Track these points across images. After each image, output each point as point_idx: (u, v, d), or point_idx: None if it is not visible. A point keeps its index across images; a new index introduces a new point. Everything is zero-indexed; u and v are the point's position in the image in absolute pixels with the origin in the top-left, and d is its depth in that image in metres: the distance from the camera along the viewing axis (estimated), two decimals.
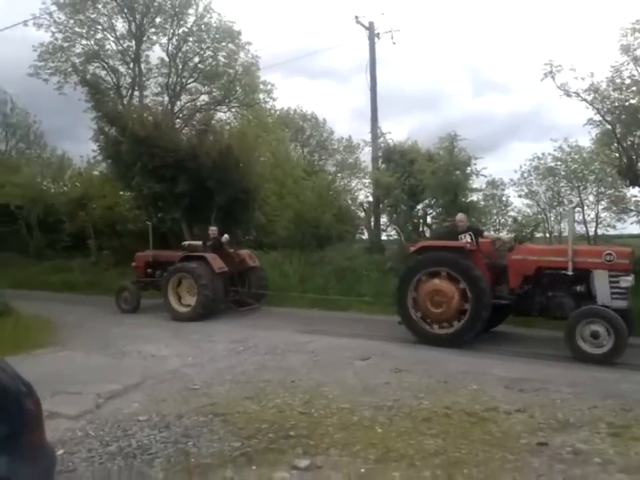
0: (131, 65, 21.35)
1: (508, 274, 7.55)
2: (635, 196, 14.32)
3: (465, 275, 7.26)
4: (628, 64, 10.59)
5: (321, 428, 4.17)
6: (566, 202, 17.01)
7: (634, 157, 11.02)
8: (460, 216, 8.59)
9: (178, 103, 22.21)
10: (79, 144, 41.19)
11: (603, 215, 16.68)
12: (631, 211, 15.33)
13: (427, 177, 12.01)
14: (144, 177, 13.71)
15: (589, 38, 47.81)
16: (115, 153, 14.38)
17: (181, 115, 21.78)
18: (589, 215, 16.87)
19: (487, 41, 55.66)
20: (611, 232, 16.46)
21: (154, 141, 13.32)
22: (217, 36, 20.91)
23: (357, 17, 15.41)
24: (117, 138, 14.21)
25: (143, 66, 21.44)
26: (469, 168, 12.35)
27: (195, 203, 14.05)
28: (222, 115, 22.26)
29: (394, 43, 15.95)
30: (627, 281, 6.71)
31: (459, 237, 8.23)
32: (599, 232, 16.42)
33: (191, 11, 20.62)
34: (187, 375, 5.80)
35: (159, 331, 8.67)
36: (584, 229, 16.25)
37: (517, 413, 4.48)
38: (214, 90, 22.52)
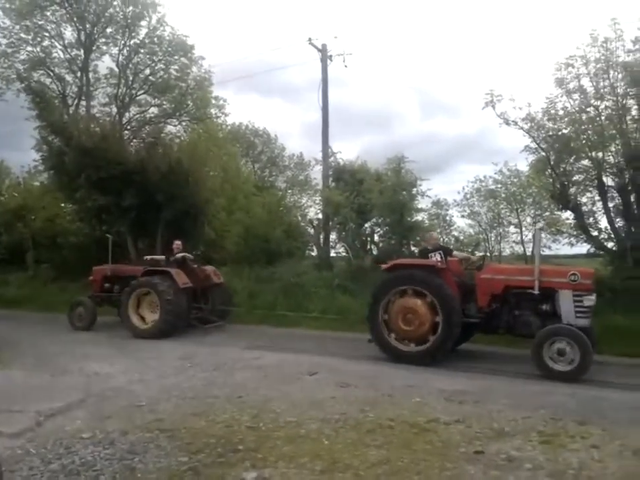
0: (78, 74, 20.86)
1: (476, 292, 7.64)
2: (568, 219, 15.22)
3: (436, 292, 7.33)
4: (562, 96, 11.38)
5: (269, 441, 4.23)
6: (505, 223, 17.82)
7: (566, 183, 11.78)
8: (430, 235, 8.79)
9: (126, 114, 21.84)
10: (20, 153, 39.59)
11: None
12: (564, 232, 16.26)
13: (375, 197, 12.38)
14: (89, 189, 13.41)
15: (527, 69, 50.70)
16: (58, 163, 13.99)
17: (129, 127, 21.41)
18: (526, 236, 17.77)
19: (437, 65, 57.90)
20: (547, 252, 17.38)
21: (100, 152, 13.07)
22: (170, 49, 20.82)
23: (310, 39, 15.79)
24: (61, 148, 13.85)
25: (90, 75, 21.03)
26: (414, 189, 12.83)
27: (142, 217, 13.83)
28: (172, 128, 22.09)
29: (345, 66, 16.36)
30: (590, 300, 6.91)
31: (429, 255, 8.37)
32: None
33: (143, 23, 20.47)
34: (132, 391, 5.71)
35: (102, 349, 8.44)
36: (522, 248, 17.08)
37: (456, 423, 4.70)
38: (164, 103, 22.31)
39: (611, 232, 11.53)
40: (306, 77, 56.69)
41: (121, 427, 4.50)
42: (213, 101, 23.28)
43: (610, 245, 11.54)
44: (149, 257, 10.96)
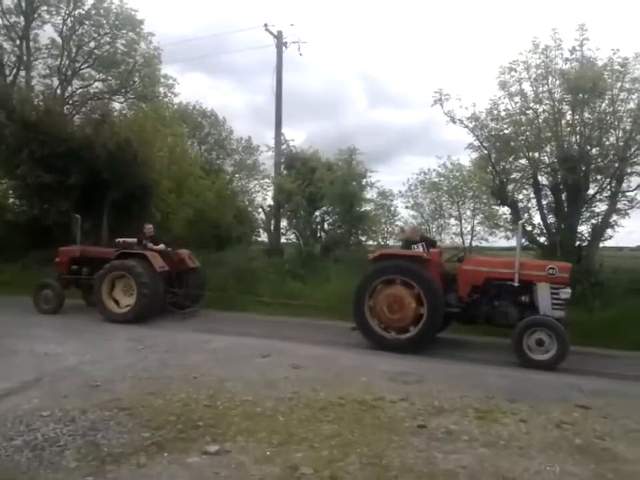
0: (18, 42, 19.74)
1: (457, 283, 7.82)
2: (505, 214, 16.16)
3: (422, 282, 7.48)
4: (504, 98, 12.11)
5: (227, 418, 4.44)
6: (446, 215, 18.68)
7: (505, 180, 12.56)
8: (411, 226, 8.92)
9: (69, 88, 20.91)
10: None
11: (477, 228, 18.59)
12: (501, 226, 17.25)
13: (326, 186, 12.68)
14: (31, 166, 12.90)
15: (475, 71, 52.44)
16: None
17: (71, 102, 20.53)
18: (465, 228, 18.70)
19: (387, 59, 58.76)
20: (484, 244, 18.39)
21: (45, 127, 12.61)
22: (117, 22, 20.04)
23: (266, 25, 15.79)
24: (1, 121, 13.19)
25: (31, 44, 19.94)
26: (364, 180, 13.23)
27: (87, 196, 13.47)
28: (117, 104, 21.35)
29: (300, 54, 16.47)
30: (566, 293, 7.19)
31: (412, 247, 8.55)
32: (474, 243, 18.26)
33: None
34: (86, 372, 5.74)
35: (49, 331, 8.25)
36: (460, 240, 17.99)
37: (401, 401, 5.08)
38: (109, 78, 21.51)
39: (543, 227, 12.41)
40: (255, 60, 56.01)
41: (79, 406, 4.56)
42: (162, 80, 22.67)
43: (542, 239, 12.43)
44: (121, 240, 10.58)
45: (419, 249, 8.50)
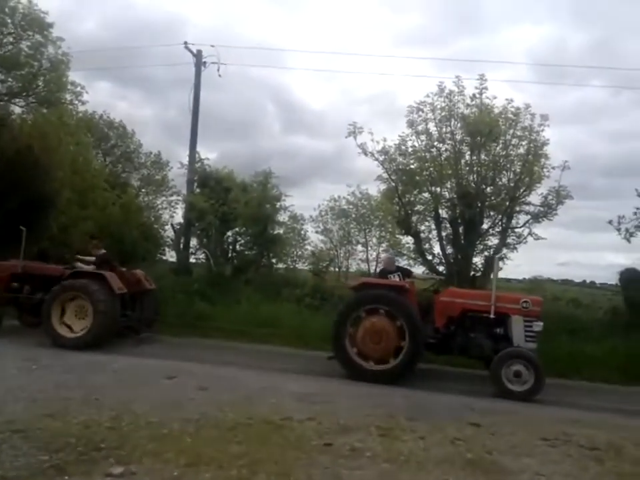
0: None
1: (432, 314, 7.86)
2: (408, 243, 17.07)
3: (404, 313, 7.46)
4: (412, 135, 12.96)
5: (132, 440, 4.29)
6: (354, 241, 19.30)
7: (410, 212, 13.37)
8: (387, 256, 8.92)
9: None
10: None
11: (382, 255, 19.37)
12: (404, 254, 18.15)
13: (241, 207, 12.71)
14: None
15: (388, 105, 55.25)
16: None
17: None
18: (371, 255, 19.45)
19: (302, 86, 60.16)
20: None
21: None
22: (23, 23, 18.85)
23: (186, 43, 15.71)
24: None
25: None
26: (278, 203, 13.44)
27: None
28: (18, 108, 19.92)
29: (220, 76, 16.42)
30: (538, 325, 7.43)
31: (388, 276, 8.58)
32: (378, 269, 18.98)
33: None
34: None
35: None
36: (367, 266, 18.67)
37: (308, 420, 5.21)
38: (10, 80, 20.07)
39: (442, 257, 13.30)
40: (169, 75, 54.94)
41: None
42: (70, 86, 21.52)
43: (441, 268, 13.29)
44: (78, 257, 9.67)
45: (395, 278, 8.59)
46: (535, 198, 12.79)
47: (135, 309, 9.75)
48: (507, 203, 12.62)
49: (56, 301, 8.71)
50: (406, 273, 9.05)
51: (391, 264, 9.22)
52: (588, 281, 23.39)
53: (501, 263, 13.23)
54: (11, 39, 18.82)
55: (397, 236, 18.12)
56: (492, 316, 7.55)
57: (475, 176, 12.66)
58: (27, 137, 13.07)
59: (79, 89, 21.85)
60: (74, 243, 15.31)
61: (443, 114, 12.71)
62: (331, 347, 7.96)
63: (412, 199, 13.51)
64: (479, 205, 12.54)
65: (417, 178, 12.98)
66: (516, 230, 13.18)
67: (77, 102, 22.19)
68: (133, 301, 9.72)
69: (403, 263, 17.99)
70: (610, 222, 12.27)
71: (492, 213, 13.06)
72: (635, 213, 12.03)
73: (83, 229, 15.32)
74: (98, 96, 44.07)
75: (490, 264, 12.82)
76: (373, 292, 7.80)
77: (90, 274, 8.97)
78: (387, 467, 4.17)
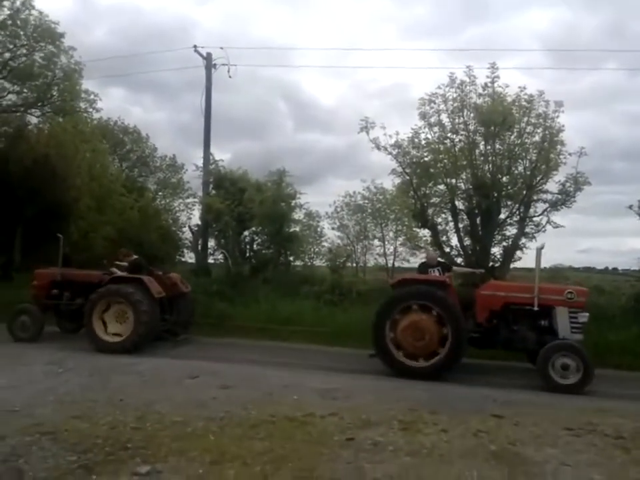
0: None
1: (474, 308, 7.78)
2: (425, 236, 16.98)
3: (445, 308, 7.38)
4: (424, 128, 12.88)
5: (157, 439, 4.37)
6: (370, 236, 19.22)
7: (425, 205, 13.29)
8: (430, 252, 8.89)
9: None
10: None
11: (399, 249, 19.27)
12: (421, 247, 18.05)
13: (256, 206, 12.78)
14: None
15: (399, 99, 55.01)
16: None
17: None
18: (388, 249, 19.36)
19: (314, 83, 60.16)
20: (405, 265, 19.07)
21: None
22: (35, 34, 19.18)
23: (195, 46, 15.80)
24: None
25: None
26: (293, 201, 13.47)
27: None
28: (34, 119, 20.30)
29: (230, 77, 16.48)
30: (584, 316, 7.35)
31: (429, 271, 8.58)
32: (396, 264, 18.91)
33: (5, 2, 18.59)
34: (2, 398, 5.41)
35: None
36: (384, 260, 18.59)
37: (330, 416, 5.23)
38: (25, 90, 20.44)
39: (460, 249, 13.20)
40: (181, 79, 55.42)
41: None
42: (83, 95, 21.83)
43: (459, 260, 13.20)
44: (116, 262, 9.77)
45: (435, 273, 8.58)
46: (552, 186, 12.65)
47: (172, 312, 9.81)
48: (524, 192, 12.47)
49: (97, 306, 8.84)
50: (446, 268, 9.01)
51: (433, 259, 9.17)
52: (610, 268, 22.98)
53: (520, 252, 13.15)
54: (24, 51, 19.15)
55: (414, 229, 18.00)
56: (535, 308, 7.46)
57: (490, 166, 12.53)
58: (43, 146, 13.33)
59: (92, 96, 22.18)
60: (94, 248, 15.62)
61: (455, 105, 12.61)
62: (371, 345, 7.85)
63: (427, 191, 13.43)
64: (495, 194, 12.42)
65: (432, 170, 12.90)
66: (534, 219, 13.04)
67: (91, 110, 22.55)
68: (170, 304, 9.78)
69: (420, 256, 17.92)
70: (630, 207, 12.08)
71: (509, 203, 12.92)
72: None
73: (102, 233, 15.59)
74: (112, 103, 44.82)
75: (507, 254, 12.68)
76: (411, 288, 7.71)
77: (128, 279, 9.07)
78: (409, 460, 4.17)
